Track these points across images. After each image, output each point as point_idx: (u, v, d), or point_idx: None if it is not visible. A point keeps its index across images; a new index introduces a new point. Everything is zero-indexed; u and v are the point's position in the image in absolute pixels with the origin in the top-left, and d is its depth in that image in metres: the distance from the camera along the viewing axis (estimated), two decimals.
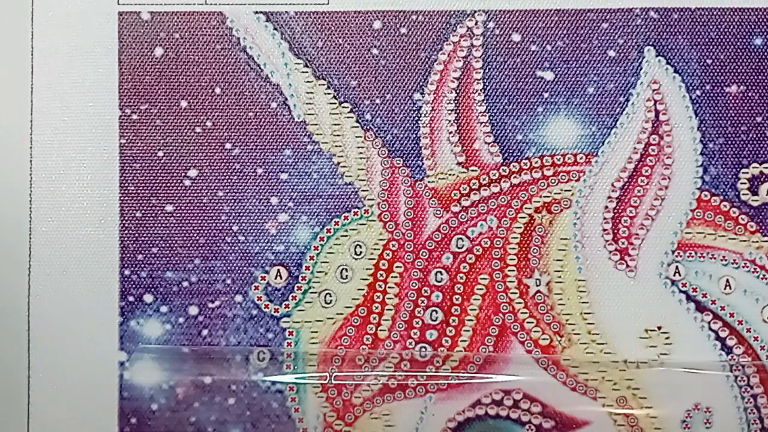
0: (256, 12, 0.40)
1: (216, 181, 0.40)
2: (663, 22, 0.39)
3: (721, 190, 0.39)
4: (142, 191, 0.40)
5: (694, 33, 0.39)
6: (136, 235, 0.40)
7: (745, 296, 0.39)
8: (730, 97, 0.39)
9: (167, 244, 0.40)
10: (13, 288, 0.39)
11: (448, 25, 0.40)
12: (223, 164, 0.40)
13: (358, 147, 0.40)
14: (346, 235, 0.40)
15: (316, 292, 0.40)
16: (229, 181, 0.40)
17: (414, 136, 0.40)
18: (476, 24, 0.40)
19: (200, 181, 0.40)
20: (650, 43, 0.39)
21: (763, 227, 0.39)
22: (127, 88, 0.40)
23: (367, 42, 0.40)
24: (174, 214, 0.40)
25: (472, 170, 0.40)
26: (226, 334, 0.40)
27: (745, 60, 0.39)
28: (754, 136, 0.39)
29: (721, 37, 0.39)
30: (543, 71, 0.40)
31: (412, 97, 0.40)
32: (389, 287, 0.40)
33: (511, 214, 0.40)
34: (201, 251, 0.40)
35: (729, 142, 0.39)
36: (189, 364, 0.39)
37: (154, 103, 0.40)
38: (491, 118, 0.40)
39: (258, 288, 0.40)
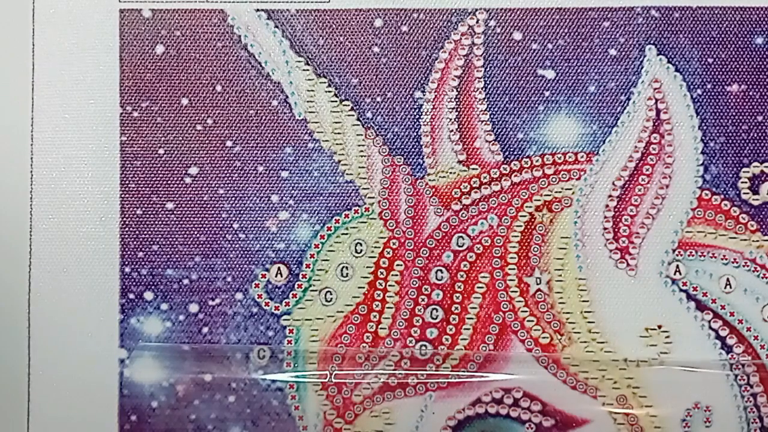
0: (257, 10, 0.40)
1: (217, 178, 0.40)
2: (664, 21, 0.39)
3: (722, 189, 0.39)
4: (143, 188, 0.40)
5: (696, 32, 0.39)
6: (137, 232, 0.40)
7: (745, 295, 0.39)
8: (731, 96, 0.39)
9: (168, 242, 0.40)
10: (14, 285, 0.39)
11: (449, 24, 0.40)
12: (223, 162, 0.40)
13: (359, 145, 0.40)
14: (346, 233, 0.40)
15: (316, 290, 0.40)
16: (229, 178, 0.40)
17: (415, 134, 0.40)
18: (477, 22, 0.40)
19: (201, 178, 0.40)
20: (651, 41, 0.39)
21: (764, 226, 0.39)
22: (128, 85, 0.40)
23: (368, 40, 0.40)
24: (174, 212, 0.40)
25: (473, 168, 0.40)
26: (226, 331, 0.40)
27: (746, 59, 0.39)
28: (755, 135, 0.39)
29: (723, 36, 0.39)
30: (544, 70, 0.40)
31: (413, 95, 0.40)
32: (390, 285, 0.40)
33: (512, 212, 0.40)
34: (201, 249, 0.40)
35: (730, 141, 0.39)
36: (189, 361, 0.39)
37: (155, 101, 0.40)
38: (492, 116, 0.40)
39: (258, 286, 0.40)
